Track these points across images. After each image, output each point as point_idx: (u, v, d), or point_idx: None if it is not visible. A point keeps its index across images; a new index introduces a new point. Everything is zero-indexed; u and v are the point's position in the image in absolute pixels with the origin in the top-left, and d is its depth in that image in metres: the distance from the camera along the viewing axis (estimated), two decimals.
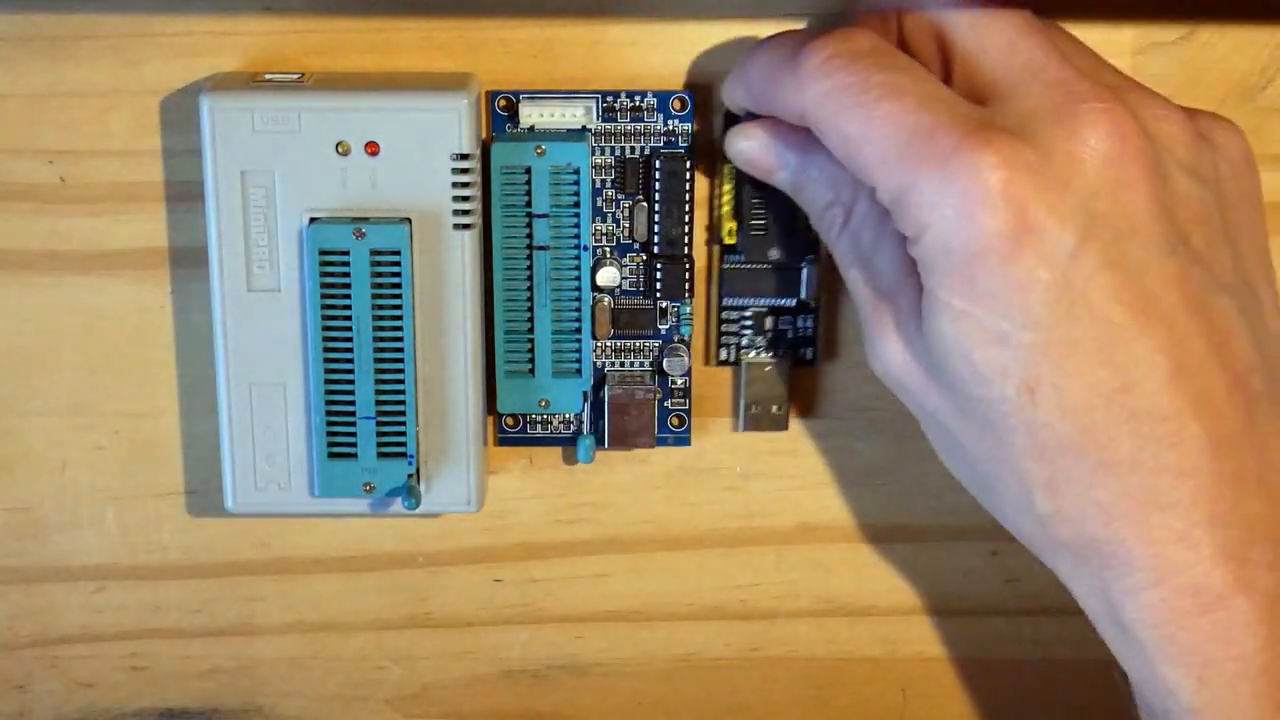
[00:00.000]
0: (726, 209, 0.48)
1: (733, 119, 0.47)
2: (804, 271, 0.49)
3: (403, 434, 0.47)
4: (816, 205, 0.45)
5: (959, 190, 0.39)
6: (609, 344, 0.49)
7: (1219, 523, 0.40)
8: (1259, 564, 0.40)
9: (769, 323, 0.49)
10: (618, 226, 0.48)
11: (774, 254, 0.48)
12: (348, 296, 0.46)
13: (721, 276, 0.49)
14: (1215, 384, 0.40)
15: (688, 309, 0.49)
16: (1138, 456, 0.40)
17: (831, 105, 0.41)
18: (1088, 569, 0.41)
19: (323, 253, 0.46)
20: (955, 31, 0.42)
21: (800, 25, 0.47)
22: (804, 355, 0.49)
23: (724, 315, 0.49)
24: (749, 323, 0.49)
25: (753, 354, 0.50)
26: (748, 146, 0.45)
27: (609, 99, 0.48)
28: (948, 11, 0.42)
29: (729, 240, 0.48)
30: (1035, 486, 0.41)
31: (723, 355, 0.50)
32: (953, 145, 0.39)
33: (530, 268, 0.48)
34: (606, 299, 0.49)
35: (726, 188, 0.48)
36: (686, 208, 0.48)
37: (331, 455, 0.47)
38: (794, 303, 0.49)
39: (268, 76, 0.46)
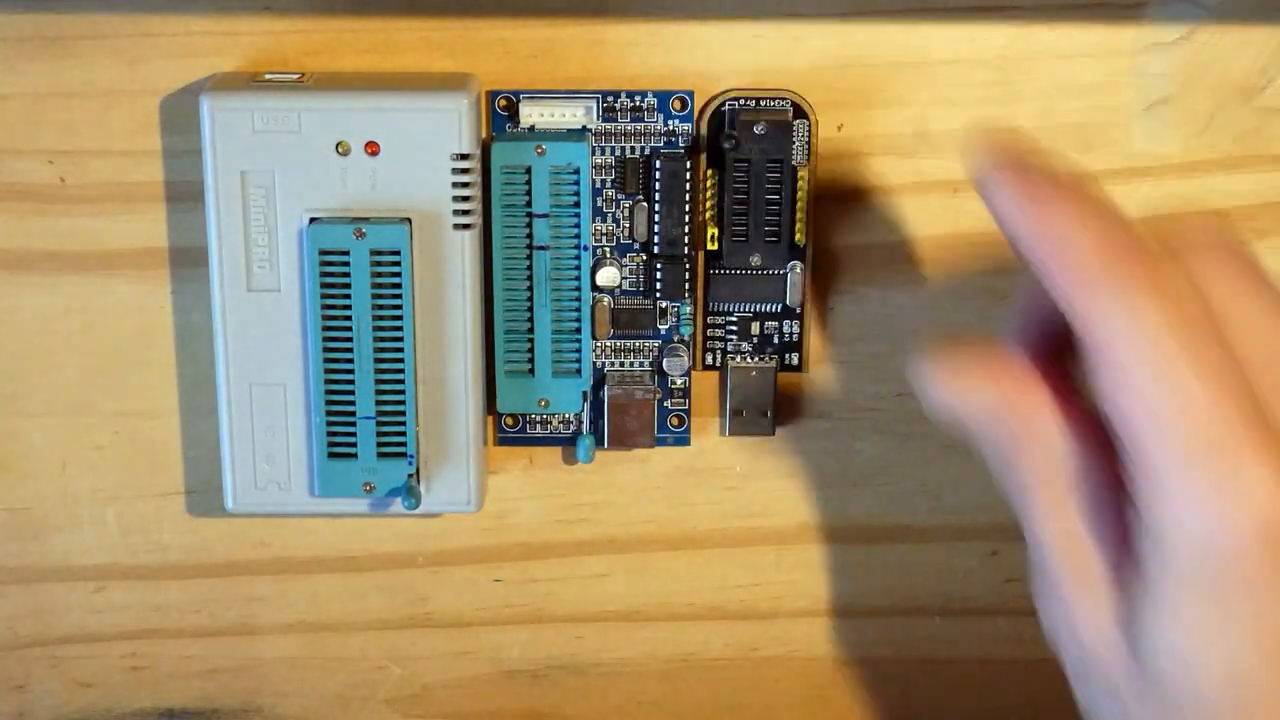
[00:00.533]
0: (709, 214, 0.48)
1: None
2: (788, 277, 0.49)
3: (403, 434, 0.47)
4: (1017, 466, 0.41)
5: (1230, 496, 0.37)
6: (609, 344, 0.49)
7: None
8: None
9: (755, 328, 0.49)
10: (618, 226, 0.48)
11: (755, 259, 0.48)
12: (348, 296, 0.46)
13: (707, 282, 0.49)
14: None
15: (688, 309, 0.49)
16: None
17: (1141, 346, 0.37)
18: None
19: (323, 253, 0.46)
20: (1231, 312, 0.39)
21: (800, 27, 0.47)
22: (790, 361, 0.49)
23: (710, 320, 0.49)
24: (735, 328, 0.49)
25: (738, 359, 0.50)
26: (955, 405, 0.41)
27: (609, 99, 0.48)
28: (1234, 309, 0.39)
29: (711, 246, 0.48)
30: None
31: (709, 360, 0.49)
32: (1241, 447, 0.37)
33: (530, 268, 0.48)
34: (606, 299, 0.49)
35: (709, 194, 0.48)
36: (686, 208, 0.48)
37: (331, 455, 0.47)
38: (779, 308, 0.49)
39: (268, 76, 0.46)
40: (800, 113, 0.48)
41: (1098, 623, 0.40)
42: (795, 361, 0.49)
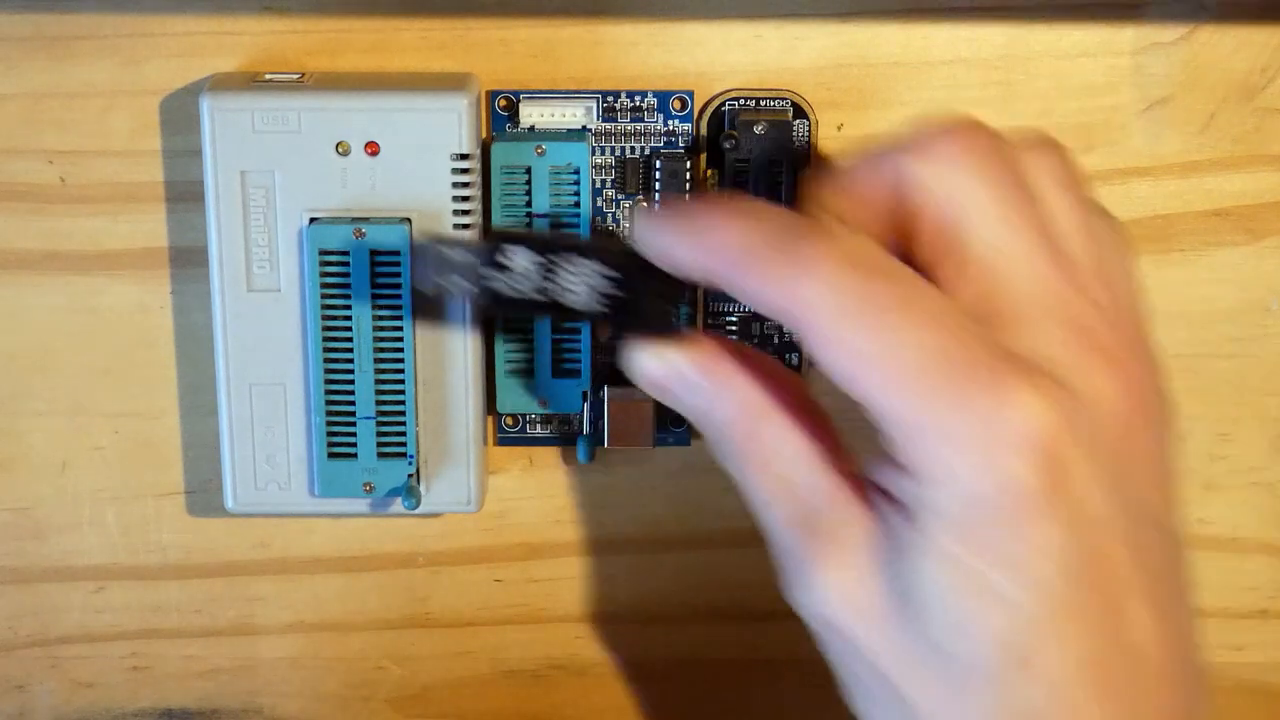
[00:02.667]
0: None
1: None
2: None
3: (403, 434, 0.47)
4: (729, 430, 0.40)
5: (988, 433, 0.36)
6: (609, 344, 0.49)
7: None
8: None
9: (755, 328, 0.49)
10: (618, 226, 0.48)
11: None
12: (348, 296, 0.46)
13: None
14: (1182, 662, 0.38)
15: (687, 309, 0.49)
16: None
17: (835, 314, 0.36)
18: None
19: (323, 253, 0.46)
20: (969, 240, 0.38)
21: (800, 27, 0.47)
22: (790, 361, 0.49)
23: (710, 322, 0.49)
24: (735, 328, 0.49)
25: None
26: (657, 370, 0.41)
27: (609, 99, 0.48)
28: (966, 215, 0.38)
29: None
30: None
31: None
32: (985, 382, 0.36)
33: None
34: None
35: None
36: None
37: (331, 455, 0.47)
38: None
39: (268, 76, 0.46)
40: (800, 112, 0.48)
41: (843, 587, 0.38)
42: (795, 361, 0.49)
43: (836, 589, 0.38)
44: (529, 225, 0.47)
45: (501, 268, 0.41)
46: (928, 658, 0.37)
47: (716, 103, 0.48)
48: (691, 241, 0.39)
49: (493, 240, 0.41)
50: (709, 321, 0.49)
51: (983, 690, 0.37)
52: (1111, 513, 0.37)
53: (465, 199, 0.46)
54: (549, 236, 0.43)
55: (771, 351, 0.49)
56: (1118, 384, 0.37)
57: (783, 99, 0.48)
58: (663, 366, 0.41)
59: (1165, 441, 0.39)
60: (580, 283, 0.40)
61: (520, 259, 0.40)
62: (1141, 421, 0.38)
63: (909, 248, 0.39)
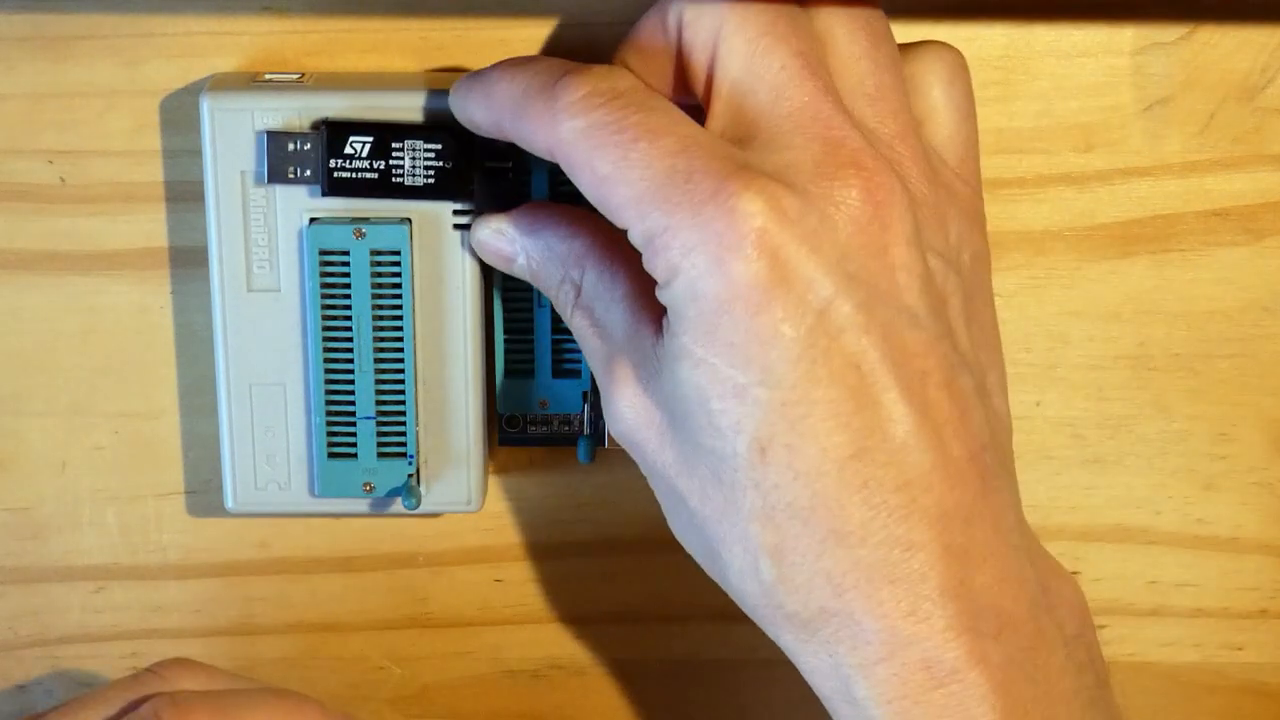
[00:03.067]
0: None
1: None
2: None
3: (403, 434, 0.47)
4: (549, 284, 0.44)
5: (713, 235, 0.38)
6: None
7: (950, 595, 0.39)
8: (988, 635, 0.39)
9: None
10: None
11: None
12: (348, 296, 0.46)
13: None
14: (950, 457, 0.39)
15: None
16: (869, 527, 0.38)
17: (585, 143, 0.39)
18: (816, 642, 0.40)
19: (323, 253, 0.46)
20: (723, 66, 0.40)
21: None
22: None
23: None
24: None
25: None
26: (489, 237, 0.45)
27: None
28: (720, 41, 0.40)
29: None
30: (761, 552, 0.39)
31: None
32: (710, 189, 0.38)
33: None
34: None
35: None
36: None
37: (331, 455, 0.47)
38: None
39: (268, 76, 0.46)
40: None
41: (632, 400, 0.41)
42: None
43: (627, 407, 0.41)
44: None
45: (342, 155, 0.44)
46: (694, 460, 0.40)
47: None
48: (479, 97, 0.43)
49: (332, 129, 0.45)
50: None
51: (742, 485, 0.39)
52: (848, 309, 0.38)
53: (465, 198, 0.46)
54: (384, 123, 0.45)
55: None
56: (861, 191, 0.39)
57: None
58: (489, 232, 0.45)
59: (946, 253, 0.41)
60: (410, 161, 0.44)
61: (358, 145, 0.44)
62: (898, 230, 0.39)
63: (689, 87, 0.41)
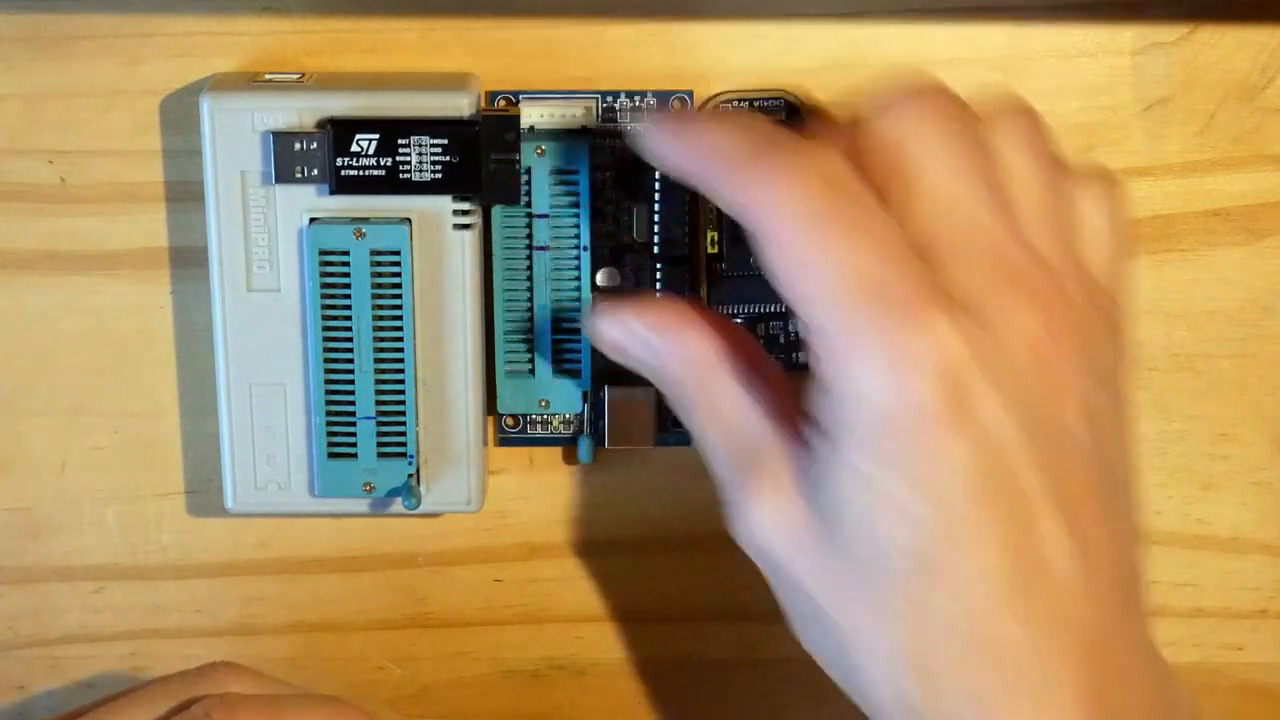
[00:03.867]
0: (709, 217, 0.48)
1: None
2: None
3: (403, 434, 0.47)
4: (674, 384, 0.43)
5: (898, 353, 0.38)
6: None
7: (1089, 715, 0.39)
8: None
9: (759, 329, 0.49)
10: (618, 226, 0.48)
11: (756, 261, 0.48)
12: (348, 296, 0.46)
13: (709, 285, 0.49)
14: (1099, 578, 0.40)
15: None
16: (1021, 646, 0.39)
17: (790, 222, 0.39)
18: None
19: (323, 253, 0.46)
20: (907, 168, 0.40)
21: (800, 27, 0.47)
22: (796, 360, 0.49)
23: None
24: None
25: None
26: (613, 332, 0.44)
27: (609, 99, 0.48)
28: (905, 143, 0.40)
29: (711, 250, 0.48)
30: (908, 666, 0.39)
31: None
32: (903, 306, 0.38)
33: (530, 268, 0.48)
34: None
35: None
36: (686, 208, 0.48)
37: (331, 455, 0.47)
38: (782, 307, 0.49)
39: (268, 76, 0.46)
40: (795, 112, 0.48)
41: (774, 512, 0.41)
42: (802, 360, 0.49)
43: (767, 516, 0.41)
44: (529, 225, 0.47)
45: (349, 153, 0.44)
46: (846, 576, 0.40)
47: (710, 105, 0.48)
48: (682, 141, 0.42)
49: (338, 127, 0.45)
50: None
51: (895, 600, 0.39)
52: (1020, 438, 0.39)
53: (465, 198, 0.46)
54: (390, 119, 0.45)
55: (777, 352, 0.49)
56: (1038, 320, 0.39)
57: (776, 99, 0.48)
58: (620, 329, 0.43)
59: (1101, 377, 0.41)
60: (417, 156, 0.44)
61: (364, 143, 0.44)
62: (1067, 355, 0.40)
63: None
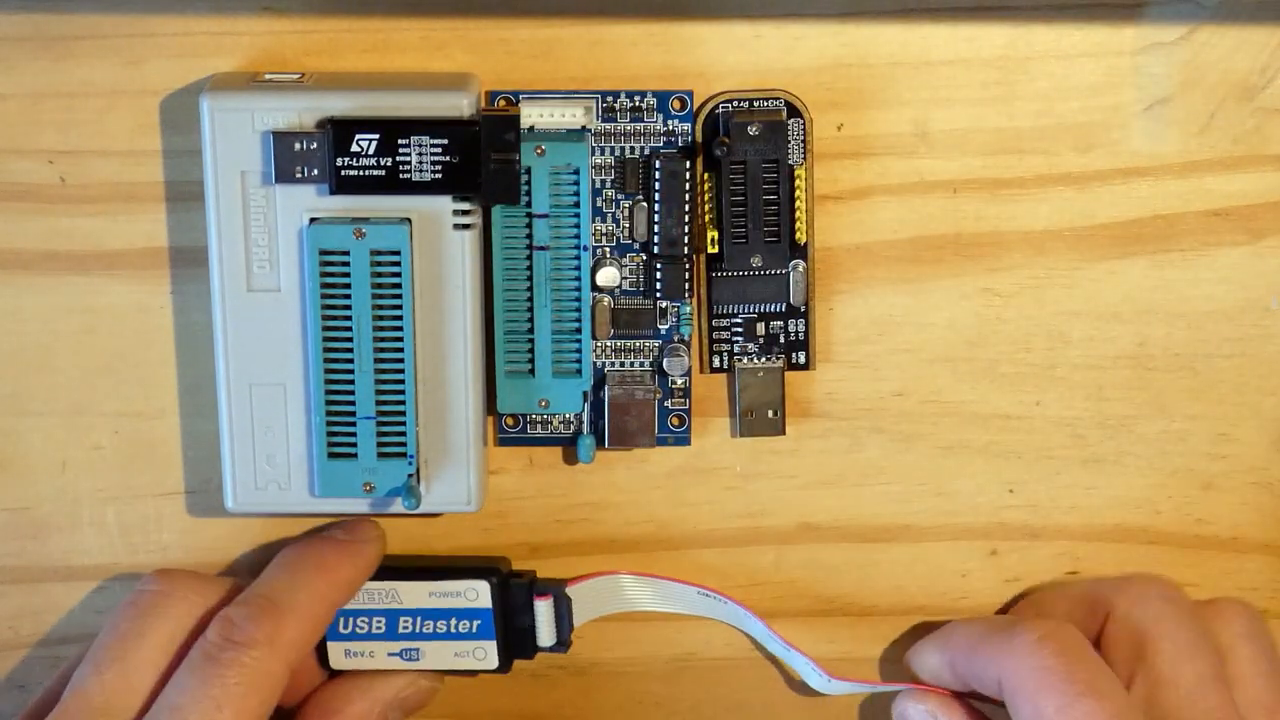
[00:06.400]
0: (708, 217, 0.48)
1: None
2: (790, 276, 0.49)
3: (403, 434, 0.47)
4: None
5: None
6: (609, 344, 0.49)
7: None
8: None
9: (760, 328, 0.49)
10: (618, 226, 0.48)
11: (756, 260, 0.48)
12: (348, 296, 0.46)
13: (709, 284, 0.49)
14: None
15: (688, 309, 0.49)
16: None
17: (1035, 681, 0.45)
18: None
19: (323, 253, 0.46)
20: (1152, 655, 0.46)
21: (800, 27, 0.47)
22: (797, 360, 0.49)
23: (715, 323, 0.49)
24: (740, 329, 0.49)
25: (745, 360, 0.49)
26: (916, 711, 0.50)
27: (609, 99, 0.48)
28: (1153, 635, 0.47)
29: (711, 249, 0.48)
30: None
31: (716, 363, 0.49)
32: None
33: (530, 268, 0.48)
34: (606, 299, 0.49)
35: (707, 197, 0.48)
36: (686, 208, 0.48)
37: (331, 455, 0.47)
38: (783, 307, 0.49)
39: (268, 76, 0.46)
40: (794, 112, 0.48)
41: None
42: (803, 360, 0.49)
43: None
44: (529, 225, 0.47)
45: (349, 153, 0.44)
46: None
47: (710, 105, 0.48)
48: (936, 645, 0.49)
49: (338, 127, 0.45)
50: (713, 324, 0.49)
51: None
52: None
53: (465, 198, 0.46)
54: (390, 119, 0.45)
55: (777, 351, 0.49)
56: None
57: (776, 99, 0.48)
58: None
59: None
60: (417, 156, 0.45)
61: (364, 143, 0.44)
62: None
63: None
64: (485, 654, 0.50)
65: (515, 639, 0.50)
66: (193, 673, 0.45)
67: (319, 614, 0.47)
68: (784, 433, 0.50)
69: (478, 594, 0.49)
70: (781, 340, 0.49)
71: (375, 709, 0.49)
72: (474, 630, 0.49)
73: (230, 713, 0.44)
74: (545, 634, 0.50)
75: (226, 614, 0.46)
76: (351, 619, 0.49)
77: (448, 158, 0.45)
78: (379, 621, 0.49)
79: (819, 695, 0.53)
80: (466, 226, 0.46)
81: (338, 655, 0.50)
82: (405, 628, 0.49)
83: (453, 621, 0.49)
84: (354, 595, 0.49)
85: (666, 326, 0.49)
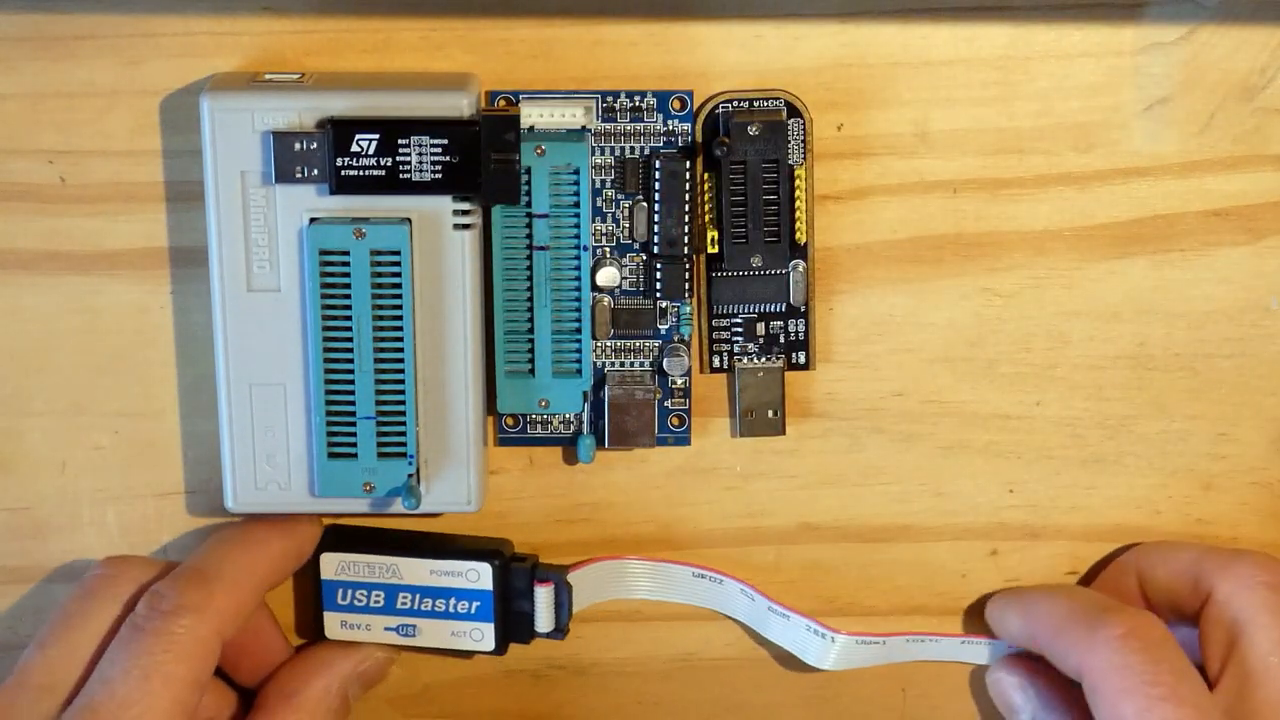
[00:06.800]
0: (708, 217, 0.48)
1: None
2: (790, 276, 0.49)
3: (403, 434, 0.47)
4: None
5: None
6: (609, 344, 0.49)
7: None
8: None
9: (760, 328, 0.49)
10: (618, 226, 0.48)
11: (756, 260, 0.48)
12: (348, 296, 0.46)
13: (709, 284, 0.49)
14: None
15: (688, 309, 0.49)
16: None
17: (1116, 679, 0.45)
18: None
19: (323, 253, 0.46)
20: (1244, 649, 0.46)
21: (800, 27, 0.47)
22: (797, 360, 0.49)
23: (714, 323, 0.49)
24: (740, 329, 0.49)
25: (745, 360, 0.49)
26: (1009, 683, 0.50)
27: (609, 99, 0.48)
28: (1247, 628, 0.46)
29: (711, 249, 0.48)
30: None
31: (716, 363, 0.49)
32: None
33: (530, 268, 0.48)
34: (606, 299, 0.49)
35: (707, 197, 0.48)
36: (686, 208, 0.48)
37: (331, 455, 0.47)
38: (783, 307, 0.49)
39: (268, 76, 0.46)
40: (794, 111, 0.48)
41: None
42: (803, 360, 0.49)
43: None
44: (529, 225, 0.47)
45: (349, 153, 0.44)
46: None
47: (710, 105, 0.48)
48: (1018, 611, 0.50)
49: (338, 127, 0.45)
50: (713, 324, 0.49)
51: None
52: None
53: (465, 199, 0.46)
54: (390, 119, 0.45)
55: (777, 351, 0.49)
56: None
57: (776, 99, 0.48)
58: (1016, 691, 0.50)
59: None
60: (417, 156, 0.45)
61: (364, 143, 0.45)
62: None
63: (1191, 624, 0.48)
64: (482, 635, 0.50)
65: (513, 623, 0.50)
66: (123, 646, 0.45)
67: (248, 584, 0.47)
68: (784, 433, 0.50)
69: (479, 575, 0.49)
70: (781, 340, 0.49)
71: (335, 684, 0.49)
72: (473, 611, 0.49)
73: (159, 681, 0.44)
74: (544, 620, 0.49)
75: (156, 588, 0.46)
76: (350, 591, 0.49)
77: (448, 158, 0.45)
78: (378, 595, 0.49)
79: (819, 695, 0.53)
80: (466, 226, 0.46)
81: (333, 626, 0.50)
82: (404, 603, 0.49)
83: (452, 601, 0.49)
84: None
85: (666, 326, 0.49)
